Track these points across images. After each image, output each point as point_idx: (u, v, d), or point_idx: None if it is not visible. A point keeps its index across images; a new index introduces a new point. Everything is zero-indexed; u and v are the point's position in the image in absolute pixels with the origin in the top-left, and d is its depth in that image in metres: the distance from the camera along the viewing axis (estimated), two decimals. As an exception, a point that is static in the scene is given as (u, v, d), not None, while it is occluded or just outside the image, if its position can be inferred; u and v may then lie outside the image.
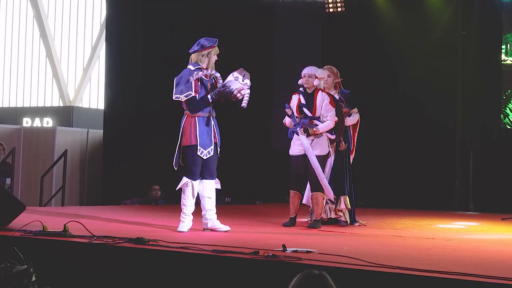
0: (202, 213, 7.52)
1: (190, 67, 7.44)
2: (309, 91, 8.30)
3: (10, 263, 4.94)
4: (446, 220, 10.16)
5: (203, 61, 7.44)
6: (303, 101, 8.26)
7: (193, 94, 7.28)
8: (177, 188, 7.51)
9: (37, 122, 18.00)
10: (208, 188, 7.49)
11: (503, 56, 12.79)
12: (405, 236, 7.61)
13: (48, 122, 17.85)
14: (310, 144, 8.18)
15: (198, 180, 7.45)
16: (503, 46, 12.80)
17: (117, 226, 7.72)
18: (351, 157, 8.96)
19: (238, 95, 7.36)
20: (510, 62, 12.75)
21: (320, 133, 8.19)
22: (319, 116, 8.21)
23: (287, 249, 5.42)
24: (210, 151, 7.39)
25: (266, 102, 13.81)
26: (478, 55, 12.89)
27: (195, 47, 7.46)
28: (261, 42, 14.21)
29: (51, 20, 19.51)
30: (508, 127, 12.70)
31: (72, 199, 14.50)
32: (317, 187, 8.19)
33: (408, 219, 9.97)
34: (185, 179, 7.40)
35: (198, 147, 7.33)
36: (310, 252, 5.44)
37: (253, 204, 13.05)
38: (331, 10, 13.75)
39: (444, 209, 12.35)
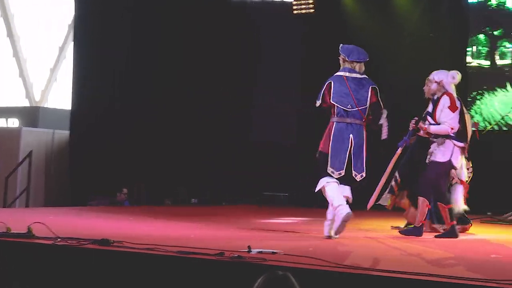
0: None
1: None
2: (434, 97, 7.90)
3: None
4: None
5: None
6: (429, 108, 7.90)
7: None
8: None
9: (2, 122, 17.77)
10: None
11: (469, 58, 12.90)
12: (372, 237, 7.65)
13: (14, 122, 17.65)
14: (434, 151, 7.70)
15: None
16: (469, 48, 12.91)
17: (82, 227, 7.66)
18: None
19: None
20: (476, 64, 12.86)
21: (438, 136, 7.72)
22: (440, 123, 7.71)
23: (252, 250, 5.42)
24: None
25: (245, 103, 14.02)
26: (446, 57, 12.98)
27: (366, 57, 7.87)
28: (235, 42, 14.15)
29: (18, 20, 19.32)
30: (473, 129, 12.79)
31: (37, 200, 14.36)
32: (423, 191, 7.69)
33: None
34: None
35: None
36: (275, 253, 5.44)
37: (220, 205, 13.02)
38: (302, 11, 13.71)
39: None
